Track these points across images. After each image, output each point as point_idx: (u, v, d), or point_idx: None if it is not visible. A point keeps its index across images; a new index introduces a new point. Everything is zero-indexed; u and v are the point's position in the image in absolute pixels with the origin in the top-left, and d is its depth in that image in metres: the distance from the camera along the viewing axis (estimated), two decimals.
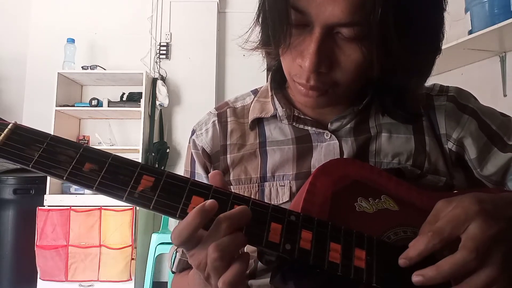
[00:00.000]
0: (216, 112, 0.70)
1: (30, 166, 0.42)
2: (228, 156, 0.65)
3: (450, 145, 0.62)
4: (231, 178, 0.64)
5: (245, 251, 0.53)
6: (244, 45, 0.58)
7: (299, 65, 0.52)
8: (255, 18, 0.55)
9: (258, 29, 0.57)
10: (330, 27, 0.48)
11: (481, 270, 0.40)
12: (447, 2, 0.51)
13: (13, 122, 0.45)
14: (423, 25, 0.49)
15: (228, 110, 0.70)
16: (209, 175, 0.47)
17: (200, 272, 0.42)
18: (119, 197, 0.42)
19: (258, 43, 0.58)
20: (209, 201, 0.41)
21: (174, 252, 0.68)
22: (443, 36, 0.53)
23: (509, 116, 0.65)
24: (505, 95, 2.11)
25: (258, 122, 0.66)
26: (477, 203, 0.42)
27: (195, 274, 0.49)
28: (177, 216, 0.42)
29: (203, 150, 0.67)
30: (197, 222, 0.40)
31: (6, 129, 0.43)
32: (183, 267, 0.67)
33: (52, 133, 0.44)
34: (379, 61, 0.49)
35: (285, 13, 0.48)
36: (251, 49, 0.59)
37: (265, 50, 0.58)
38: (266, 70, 3.17)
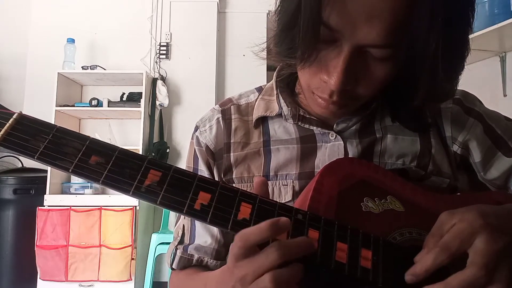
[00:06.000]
0: (220, 108, 0.69)
1: (36, 157, 0.41)
2: (231, 154, 0.65)
3: (455, 148, 0.62)
4: (233, 176, 0.64)
5: None
6: (260, 53, 0.57)
7: (323, 80, 0.50)
8: (278, 30, 0.52)
9: (270, 35, 0.54)
10: (360, 47, 0.47)
11: (489, 287, 0.39)
12: (474, 18, 0.49)
13: (18, 111, 0.44)
14: (456, 45, 0.48)
15: (232, 107, 0.69)
16: (255, 181, 0.46)
17: (240, 283, 0.41)
18: (126, 191, 0.41)
19: (277, 54, 0.54)
20: (283, 219, 0.40)
21: (174, 249, 0.68)
22: (468, 54, 0.51)
23: None
24: (505, 95, 2.11)
25: (263, 121, 0.66)
26: (481, 217, 0.41)
27: (224, 276, 0.47)
28: (184, 212, 0.41)
29: (207, 147, 0.67)
30: (267, 234, 0.39)
31: (11, 119, 0.42)
32: (184, 265, 0.67)
33: None
34: (406, 80, 0.49)
35: (316, 30, 0.46)
36: (264, 59, 0.57)
37: (286, 61, 0.55)
38: (266, 71, 3.17)
